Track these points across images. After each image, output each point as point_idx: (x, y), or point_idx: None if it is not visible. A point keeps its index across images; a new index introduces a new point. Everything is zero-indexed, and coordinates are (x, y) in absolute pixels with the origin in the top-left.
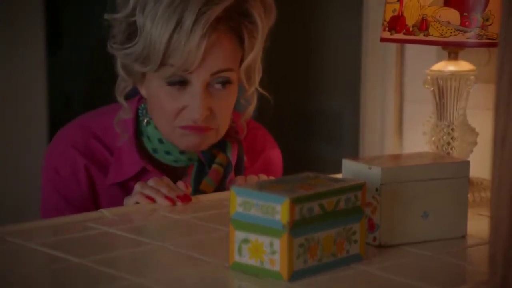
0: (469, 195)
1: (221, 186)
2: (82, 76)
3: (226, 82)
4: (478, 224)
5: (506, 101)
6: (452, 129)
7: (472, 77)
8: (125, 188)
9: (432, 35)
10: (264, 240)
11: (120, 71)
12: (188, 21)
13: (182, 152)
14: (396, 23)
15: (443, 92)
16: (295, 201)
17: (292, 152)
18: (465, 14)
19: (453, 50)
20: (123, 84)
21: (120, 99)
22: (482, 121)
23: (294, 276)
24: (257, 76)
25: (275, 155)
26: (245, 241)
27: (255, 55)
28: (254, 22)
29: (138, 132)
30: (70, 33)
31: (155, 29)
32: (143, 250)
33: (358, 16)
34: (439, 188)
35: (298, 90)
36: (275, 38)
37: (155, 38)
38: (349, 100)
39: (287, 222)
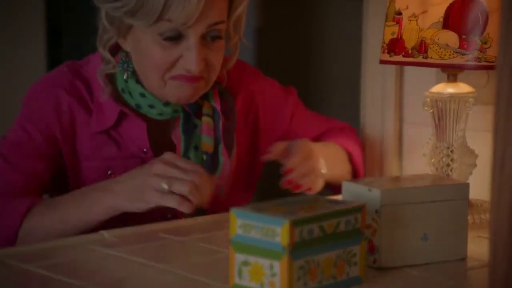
0: (469, 217)
1: (217, 136)
2: None
3: (216, 37)
4: (478, 247)
5: (504, 125)
6: (452, 151)
7: (471, 99)
8: (109, 136)
9: (431, 58)
10: (264, 262)
11: (104, 22)
12: None
13: (166, 104)
14: (395, 45)
15: (442, 114)
16: (295, 224)
17: None
18: (463, 37)
19: (452, 72)
20: (106, 36)
21: (104, 52)
22: (482, 143)
23: None
24: (243, 25)
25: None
26: (245, 263)
27: (245, 4)
28: None
29: (118, 88)
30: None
31: None
32: (143, 272)
33: (358, 39)
34: (439, 210)
35: None
36: (277, 70)
37: None
38: (349, 122)
39: (287, 244)
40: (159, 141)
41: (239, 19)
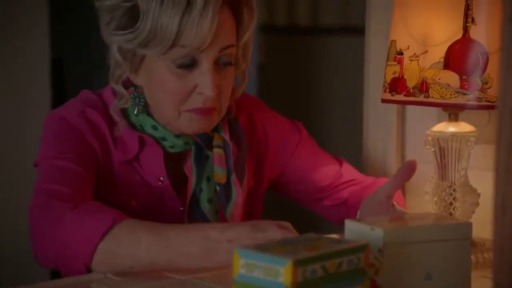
0: (472, 256)
1: (229, 167)
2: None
3: (227, 63)
4: (482, 287)
5: (505, 167)
6: (454, 190)
7: (472, 138)
8: (131, 165)
9: (432, 97)
10: None
11: (117, 56)
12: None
13: (177, 136)
14: (396, 84)
15: (444, 152)
16: (298, 263)
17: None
18: (464, 77)
19: (453, 111)
20: (118, 72)
21: (118, 87)
22: (484, 182)
23: None
24: (250, 52)
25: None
26: None
27: (252, 29)
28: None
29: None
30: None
31: (164, 12)
32: None
33: (359, 79)
34: (442, 249)
35: None
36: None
37: (166, 21)
38: (351, 161)
39: (290, 284)
40: (172, 172)
41: (246, 46)
